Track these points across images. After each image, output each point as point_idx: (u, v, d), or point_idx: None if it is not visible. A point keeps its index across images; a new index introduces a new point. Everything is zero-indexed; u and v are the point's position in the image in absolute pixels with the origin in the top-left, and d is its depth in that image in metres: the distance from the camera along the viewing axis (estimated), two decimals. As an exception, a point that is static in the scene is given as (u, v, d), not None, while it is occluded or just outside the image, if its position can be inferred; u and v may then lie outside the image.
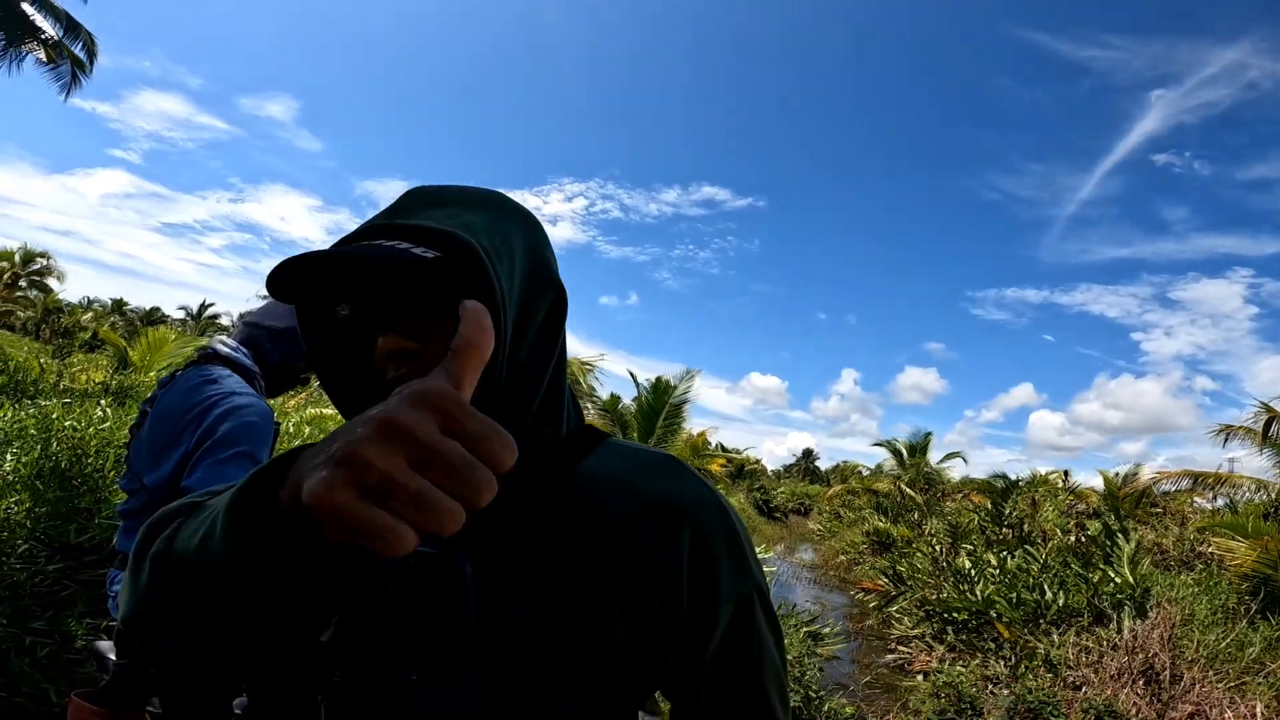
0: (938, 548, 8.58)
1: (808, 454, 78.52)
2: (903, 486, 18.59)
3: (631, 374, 15.44)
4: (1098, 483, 15.75)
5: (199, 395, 1.33)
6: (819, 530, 20.73)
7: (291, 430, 5.82)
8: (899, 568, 8.25)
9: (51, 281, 36.83)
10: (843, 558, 13.62)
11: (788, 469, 70.74)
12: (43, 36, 10.87)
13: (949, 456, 24.15)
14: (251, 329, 1.52)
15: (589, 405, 17.21)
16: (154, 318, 44.03)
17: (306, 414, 6.82)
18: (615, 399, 16.68)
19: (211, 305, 46.37)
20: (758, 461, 34.11)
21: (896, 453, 23.89)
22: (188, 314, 45.92)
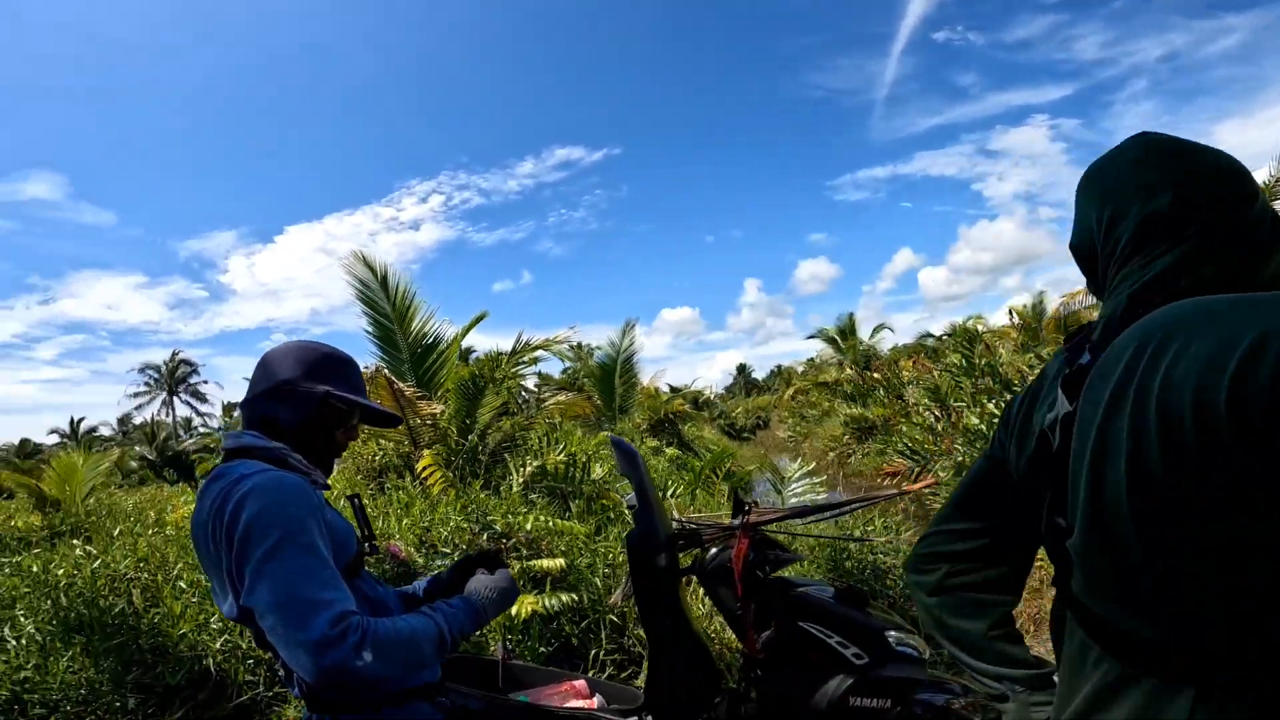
0: (928, 415, 8.96)
1: (742, 369, 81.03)
2: (852, 370, 19.38)
3: (576, 346, 15.20)
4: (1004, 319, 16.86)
5: (210, 500, 1.17)
6: (790, 437, 21.40)
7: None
8: (904, 440, 8.56)
9: (-113, 448, 32.10)
10: (832, 455, 14.09)
11: (728, 389, 72.73)
12: None
13: (877, 330, 25.41)
14: (252, 405, 1.35)
15: (545, 389, 16.85)
16: (27, 450, 39.35)
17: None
18: (570, 374, 16.39)
19: (83, 419, 42.09)
20: (706, 390, 34.75)
21: (831, 340, 24.81)
22: (61, 436, 41.36)
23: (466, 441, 6.72)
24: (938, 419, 8.62)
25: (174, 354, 45.45)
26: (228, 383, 53.21)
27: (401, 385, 6.49)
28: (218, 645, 2.92)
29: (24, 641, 2.91)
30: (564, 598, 3.06)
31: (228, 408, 40.55)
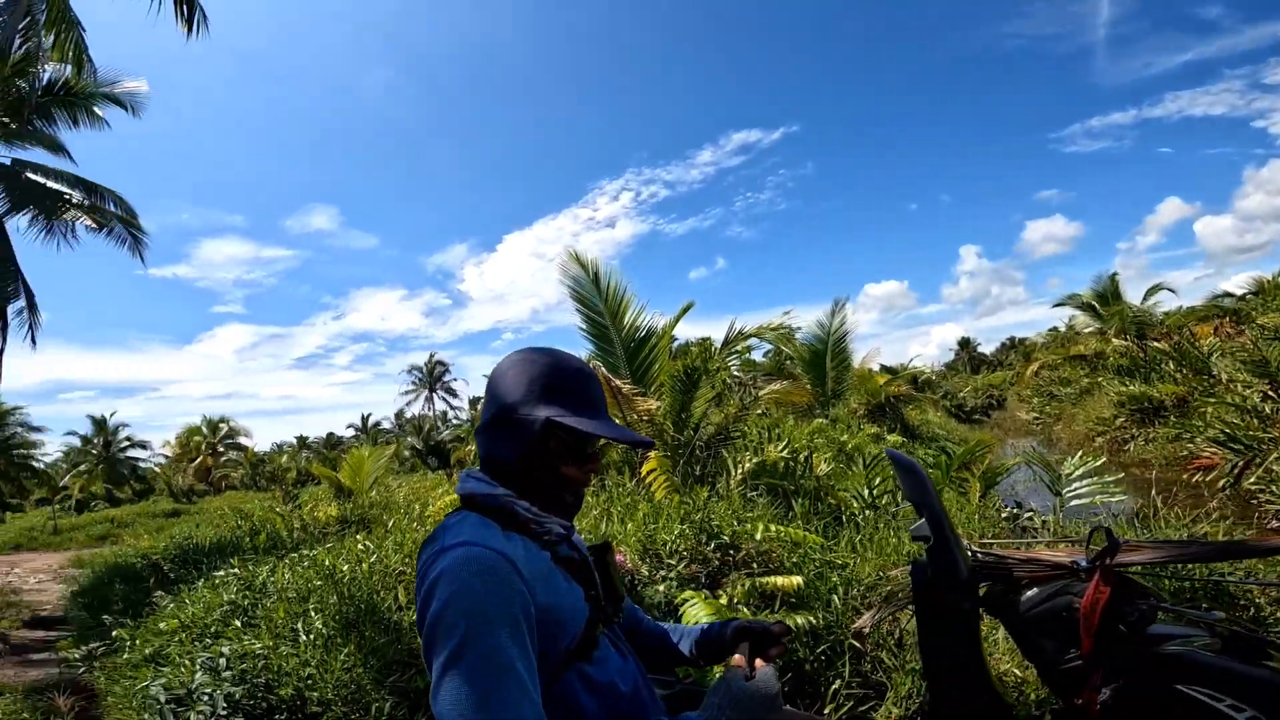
0: (1251, 394, 7.02)
1: (965, 344, 73.00)
2: (1123, 339, 16.24)
3: (782, 329, 14.56)
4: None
5: (419, 565, 1.05)
6: (1035, 419, 18.65)
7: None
8: (1216, 424, 6.80)
9: (243, 439, 41.70)
10: (1099, 440, 11.89)
11: (949, 367, 66.14)
12: (74, 201, 10.90)
13: (1152, 291, 20.99)
14: (479, 438, 1.18)
15: (753, 375, 16.51)
16: (332, 442, 48.51)
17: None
18: (775, 360, 15.88)
19: (370, 415, 50.60)
20: (925, 369, 31.69)
21: (1086, 306, 21.14)
22: (355, 430, 50.29)
23: (682, 436, 6.67)
24: (1267, 398, 6.72)
25: (431, 355, 52.62)
26: (471, 379, 60.74)
27: (618, 382, 6.60)
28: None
29: (312, 637, 3.29)
30: (800, 619, 2.76)
31: (473, 402, 46.08)
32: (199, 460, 38.81)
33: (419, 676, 2.92)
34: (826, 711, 2.43)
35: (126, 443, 39.41)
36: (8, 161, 10.74)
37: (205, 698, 2.95)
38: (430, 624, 0.93)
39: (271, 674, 3.09)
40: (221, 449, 40.50)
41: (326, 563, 4.34)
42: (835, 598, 2.96)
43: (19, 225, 10.54)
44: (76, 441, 38.18)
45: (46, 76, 10.05)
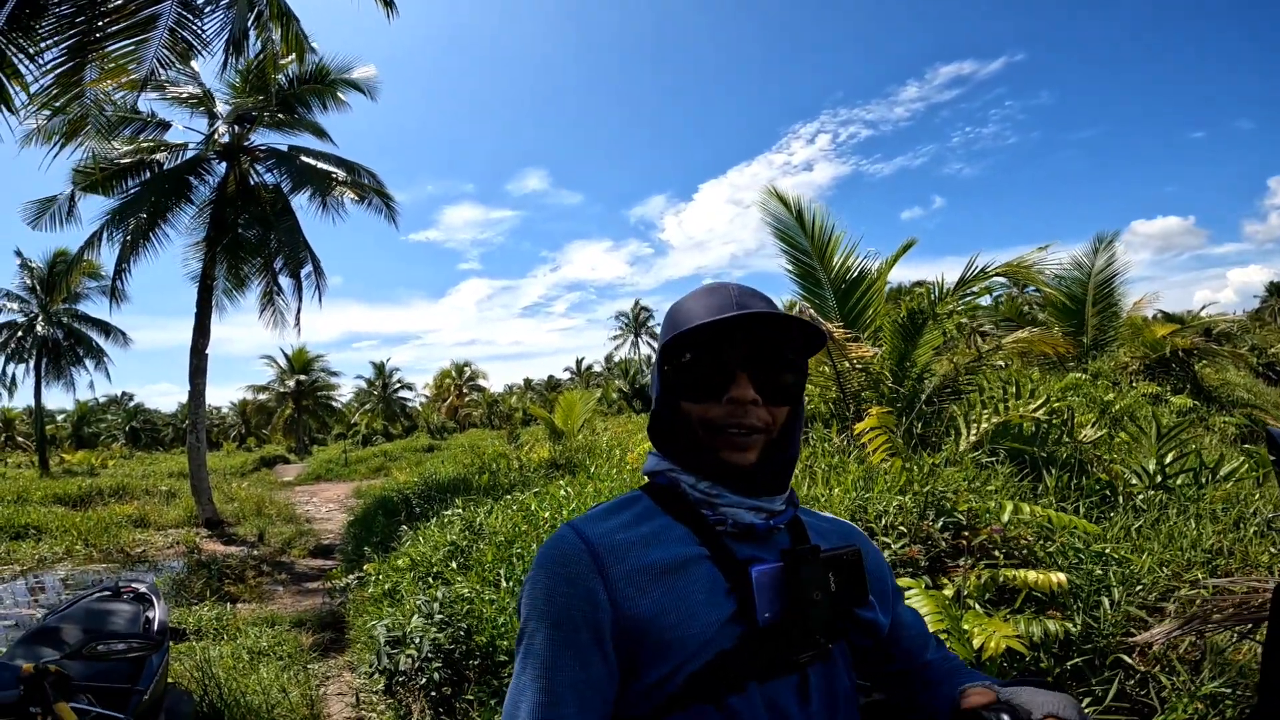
0: None
1: (1277, 289, 57.62)
2: None
3: (1035, 268, 12.43)
4: None
5: None
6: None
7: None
8: None
9: (481, 381, 47.44)
10: None
11: (1254, 315, 52.94)
12: (338, 178, 12.52)
13: None
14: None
15: (988, 321, 14.48)
16: (552, 384, 53.29)
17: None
18: (1014, 304, 13.73)
19: (583, 359, 54.55)
20: (1226, 318, 25.39)
21: None
22: (571, 372, 54.65)
23: (902, 388, 5.91)
24: None
25: (636, 302, 55.24)
26: (675, 326, 62.95)
27: (829, 325, 6.00)
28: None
29: (510, 584, 3.34)
30: (1054, 626, 2.13)
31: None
32: (449, 400, 44.90)
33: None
34: None
35: (398, 384, 46.96)
36: (285, 148, 12.85)
37: (416, 641, 3.14)
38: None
39: (473, 620, 3.21)
40: (466, 390, 46.44)
41: (532, 507, 4.49)
42: (1105, 600, 2.26)
43: (301, 202, 12.66)
44: (363, 384, 46.39)
45: (293, 69, 11.70)
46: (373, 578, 4.98)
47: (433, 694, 3.04)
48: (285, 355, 38.75)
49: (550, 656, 0.74)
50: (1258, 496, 3.70)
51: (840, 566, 0.81)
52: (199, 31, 6.14)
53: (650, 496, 0.87)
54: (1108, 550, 2.69)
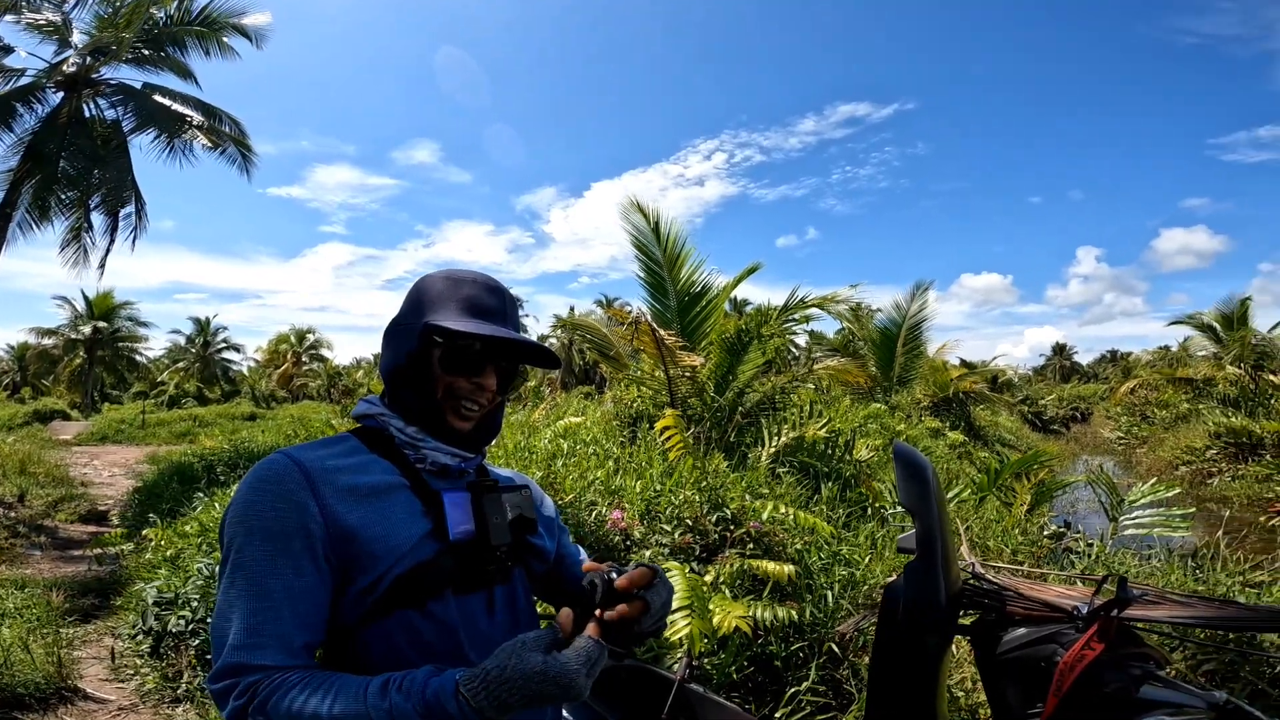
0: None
1: (1060, 350, 68.61)
2: (1238, 368, 14.70)
3: (855, 307, 13.88)
4: None
5: None
6: (1119, 439, 17.29)
7: (547, 445, 5.53)
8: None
9: (324, 351, 44.10)
10: (1182, 470, 10.85)
11: (1038, 371, 62.44)
12: (195, 122, 11.83)
13: (1286, 323, 18.81)
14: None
15: (816, 349, 15.94)
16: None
17: (559, 426, 6.57)
18: (844, 336, 15.22)
19: (441, 341, 52.51)
20: (1009, 370, 29.85)
21: (1206, 328, 19.36)
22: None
23: (722, 399, 6.43)
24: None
25: (508, 290, 54.14)
26: (544, 316, 62.21)
27: (664, 333, 6.39)
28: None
29: None
30: (782, 612, 2.51)
31: (540, 339, 47.04)
32: (284, 367, 41.30)
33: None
34: (779, 715, 2.21)
35: (223, 344, 42.40)
36: (138, 85, 11.75)
37: (192, 603, 3.01)
38: (221, 528, 0.88)
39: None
40: (305, 359, 42.96)
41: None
42: (830, 594, 2.70)
43: (143, 143, 11.64)
44: (180, 340, 41.34)
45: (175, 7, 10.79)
46: (154, 543, 4.60)
47: (207, 657, 2.95)
48: (85, 298, 33.58)
49: (263, 566, 0.82)
50: (974, 513, 4.51)
51: (515, 499, 1.03)
52: None
53: (358, 438, 1.00)
54: (844, 551, 3.19)
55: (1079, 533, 3.87)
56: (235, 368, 43.40)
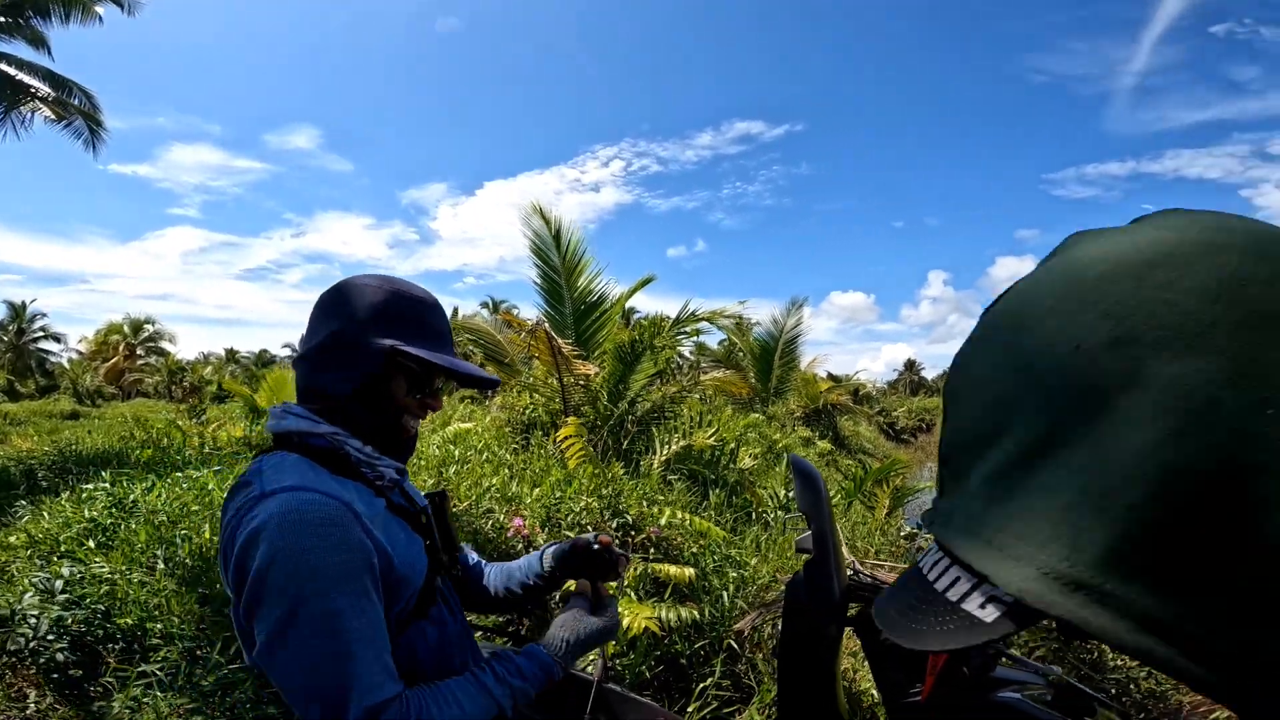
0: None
1: (910, 365, 75.46)
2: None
3: (738, 320, 14.56)
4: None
5: (226, 519, 0.89)
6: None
7: (436, 451, 5.38)
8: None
9: (165, 344, 39.65)
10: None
11: (892, 385, 68.27)
12: (40, 94, 10.94)
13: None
14: (301, 367, 1.00)
15: (701, 360, 16.52)
16: (264, 360, 46.68)
17: (447, 432, 6.40)
18: (726, 348, 15.90)
19: (308, 337, 48.96)
20: (868, 384, 32.55)
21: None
22: (292, 350, 48.54)
23: (617, 408, 6.54)
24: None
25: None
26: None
27: (560, 341, 6.41)
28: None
29: (172, 565, 3.04)
30: (685, 612, 2.66)
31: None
32: (113, 361, 36.75)
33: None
34: (690, 710, 2.34)
35: (40, 333, 37.04)
36: None
37: (30, 620, 2.67)
38: (254, 588, 0.80)
39: (114, 601, 2.84)
40: (141, 352, 38.46)
41: (210, 486, 4.05)
42: (725, 595, 2.87)
43: None
44: (-17, 323, 35.65)
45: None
46: (-34, 561, 3.98)
47: (55, 675, 2.63)
48: None
49: (353, 610, 0.81)
50: (843, 516, 4.92)
51: (447, 506, 1.19)
52: None
53: (304, 456, 0.93)
54: (734, 554, 3.39)
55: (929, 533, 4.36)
56: (54, 359, 37.97)
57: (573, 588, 1.17)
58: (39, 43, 11.24)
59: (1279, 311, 0.26)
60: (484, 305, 43.17)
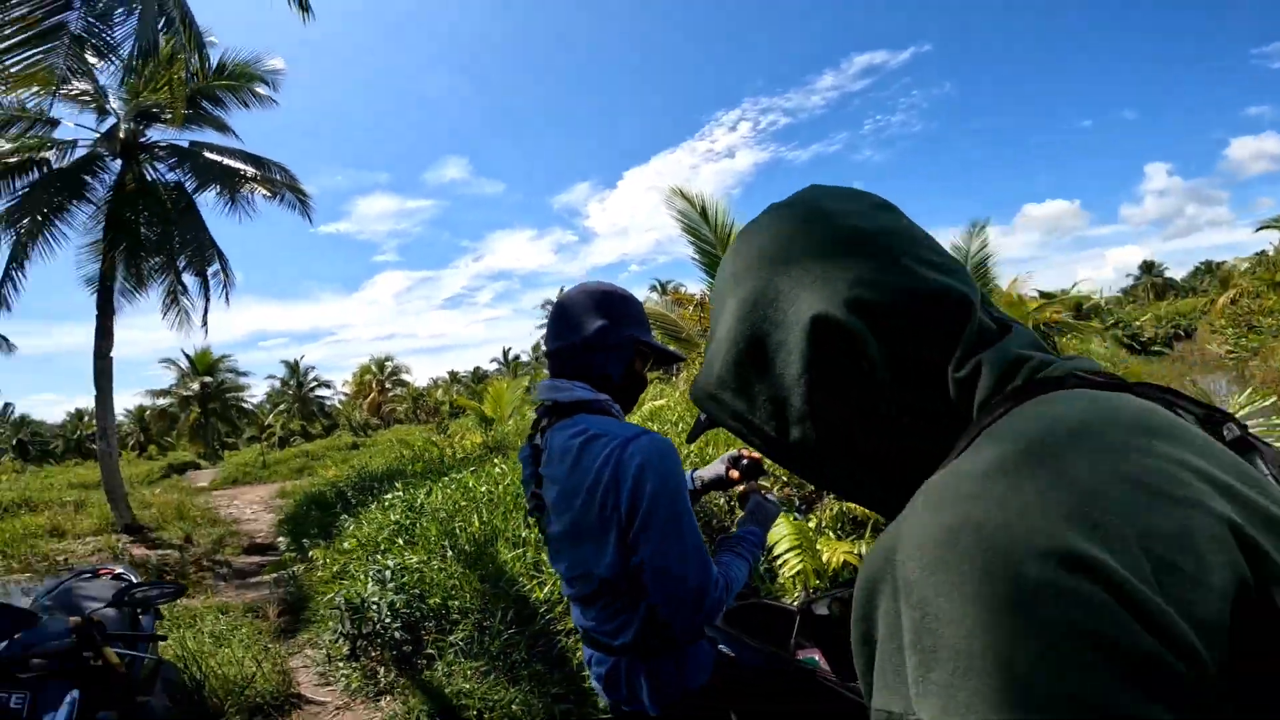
0: None
1: (1149, 268, 64.02)
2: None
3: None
4: None
5: (594, 461, 1.21)
6: (1229, 353, 16.28)
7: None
8: None
9: (405, 376, 46.42)
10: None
11: (1128, 293, 58.58)
12: (249, 175, 12.19)
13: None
14: (564, 355, 1.35)
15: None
16: (479, 376, 52.71)
17: (644, 410, 7.01)
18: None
19: (509, 349, 54.33)
20: (1094, 295, 28.32)
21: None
22: (499, 363, 54.23)
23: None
24: None
25: (561, 289, 55.21)
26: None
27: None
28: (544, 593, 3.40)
29: (455, 552, 3.79)
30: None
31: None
32: (370, 396, 43.75)
33: (537, 588, 3.35)
34: None
35: (314, 383, 45.26)
36: (186, 144, 12.33)
37: (374, 605, 3.54)
38: (651, 501, 1.17)
39: (425, 585, 3.64)
40: (389, 385, 45.35)
41: (470, 484, 4.93)
42: None
43: (207, 199, 12.18)
44: (276, 384, 44.42)
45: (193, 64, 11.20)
46: (321, 563, 5.27)
47: (394, 653, 3.48)
48: (187, 357, 36.63)
49: (690, 512, 1.23)
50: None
51: None
52: (109, 40, 6.11)
53: (596, 415, 1.32)
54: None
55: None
56: (329, 402, 46.26)
57: (740, 489, 1.60)
58: (223, 128, 12.36)
59: (782, 257, 0.51)
60: (652, 289, 44.56)
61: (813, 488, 3.37)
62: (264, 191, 12.41)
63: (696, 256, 8.06)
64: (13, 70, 5.72)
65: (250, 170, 12.32)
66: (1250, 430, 0.41)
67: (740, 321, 0.51)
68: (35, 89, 5.91)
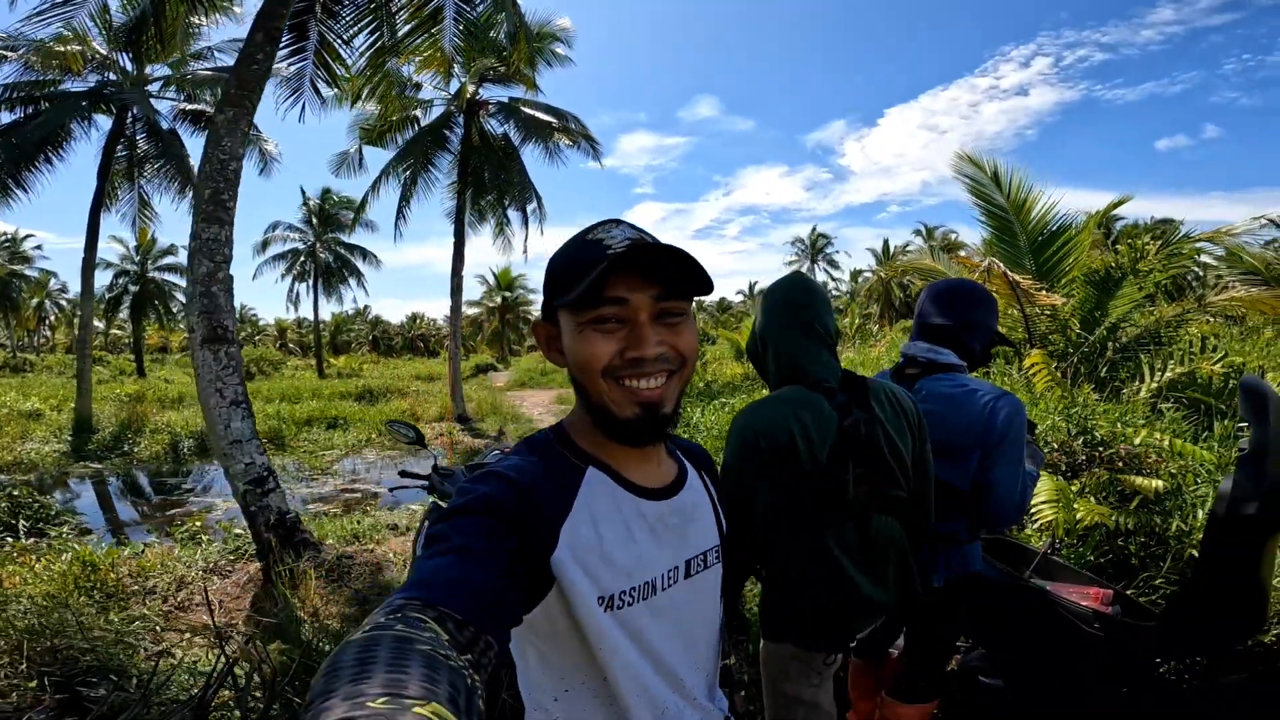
0: None
1: None
2: None
3: (1224, 234, 10.92)
4: None
5: (977, 402, 1.64)
6: None
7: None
8: None
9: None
10: None
11: None
12: (556, 126, 14.04)
13: None
14: (943, 330, 1.79)
15: (1228, 272, 12.93)
16: (724, 306, 54.30)
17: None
18: (1264, 258, 12.10)
19: (755, 283, 54.70)
20: None
21: None
22: (745, 295, 55.12)
23: (1091, 335, 6.21)
24: None
25: (813, 228, 53.57)
26: (855, 251, 59.46)
27: (1016, 275, 6.40)
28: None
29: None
30: (1132, 520, 2.82)
31: (854, 274, 45.85)
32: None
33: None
34: (1130, 591, 2.64)
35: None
36: (505, 99, 14.54)
37: None
38: (1014, 434, 1.62)
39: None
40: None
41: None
42: (1201, 511, 2.89)
43: (528, 150, 14.49)
44: (554, 301, 50.64)
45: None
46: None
47: None
48: (493, 274, 43.59)
49: None
50: None
51: None
52: (471, 19, 7.63)
53: (955, 375, 1.78)
54: (1220, 478, 3.28)
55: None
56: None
57: None
58: (531, 85, 13.83)
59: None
60: (916, 233, 40.99)
61: (1083, 457, 3.46)
62: (567, 141, 14.35)
63: (984, 219, 7.70)
64: (419, 55, 7.51)
65: (555, 121, 14.26)
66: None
67: None
68: (434, 69, 7.63)
